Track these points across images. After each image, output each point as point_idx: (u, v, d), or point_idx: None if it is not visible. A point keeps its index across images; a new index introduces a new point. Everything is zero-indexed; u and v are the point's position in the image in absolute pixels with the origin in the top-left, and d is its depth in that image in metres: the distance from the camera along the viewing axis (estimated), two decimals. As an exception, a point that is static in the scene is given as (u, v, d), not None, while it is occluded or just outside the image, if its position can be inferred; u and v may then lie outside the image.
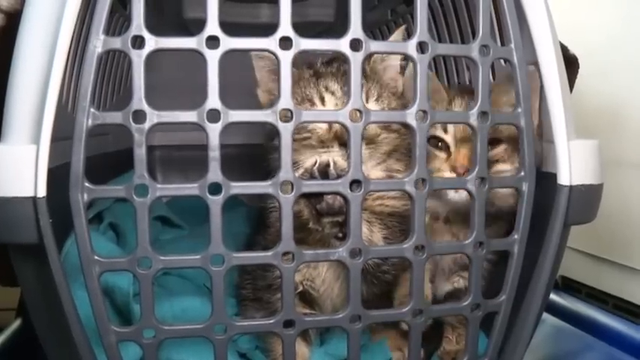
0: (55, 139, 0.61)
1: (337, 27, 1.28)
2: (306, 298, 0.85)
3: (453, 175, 0.81)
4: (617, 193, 1.16)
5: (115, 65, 1.16)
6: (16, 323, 1.04)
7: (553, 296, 1.17)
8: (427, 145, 0.76)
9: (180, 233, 1.24)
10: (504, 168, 0.83)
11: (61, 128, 0.62)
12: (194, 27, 1.24)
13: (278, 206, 0.63)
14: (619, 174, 1.18)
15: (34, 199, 0.60)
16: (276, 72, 0.82)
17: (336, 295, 0.86)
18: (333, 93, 0.80)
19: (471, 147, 0.77)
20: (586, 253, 1.31)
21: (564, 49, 0.99)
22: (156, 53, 0.60)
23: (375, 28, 1.32)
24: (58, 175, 0.62)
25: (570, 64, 1.05)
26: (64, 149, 0.62)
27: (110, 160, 1.09)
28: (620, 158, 1.19)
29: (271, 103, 0.63)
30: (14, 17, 0.82)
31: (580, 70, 1.10)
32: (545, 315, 1.07)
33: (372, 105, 0.80)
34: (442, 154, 0.86)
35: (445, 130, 0.85)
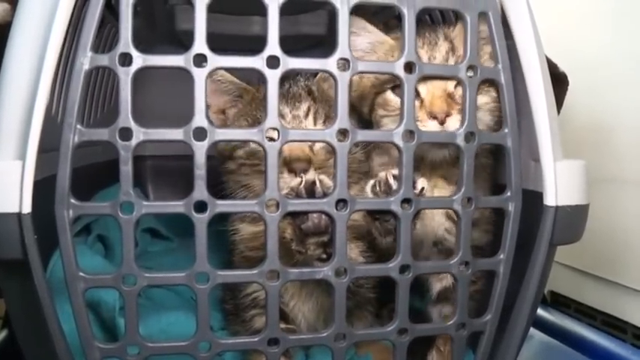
0: (43, 150, 0.61)
1: (329, 40, 1.28)
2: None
3: (434, 123, 0.75)
4: (606, 210, 1.17)
5: (105, 77, 1.16)
6: (2, 334, 1.03)
7: (541, 312, 1.17)
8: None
9: (169, 245, 1.24)
10: (483, 100, 0.77)
11: (49, 140, 0.62)
12: (186, 39, 1.24)
13: (264, 227, 0.63)
14: (608, 190, 1.19)
15: (19, 215, 0.60)
16: (223, 92, 0.87)
17: (309, 310, 0.87)
18: (283, 116, 0.80)
19: (445, 88, 0.77)
20: (575, 269, 1.31)
21: (554, 67, 0.99)
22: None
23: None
24: (43, 189, 0.62)
25: (560, 81, 1.05)
26: (52, 161, 0.61)
27: (100, 170, 1.08)
28: (609, 175, 1.19)
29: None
30: (4, 29, 0.81)
31: (569, 87, 1.11)
32: (533, 331, 1.07)
33: (319, 127, 0.83)
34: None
35: None
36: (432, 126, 0.75)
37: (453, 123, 0.74)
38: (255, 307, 0.83)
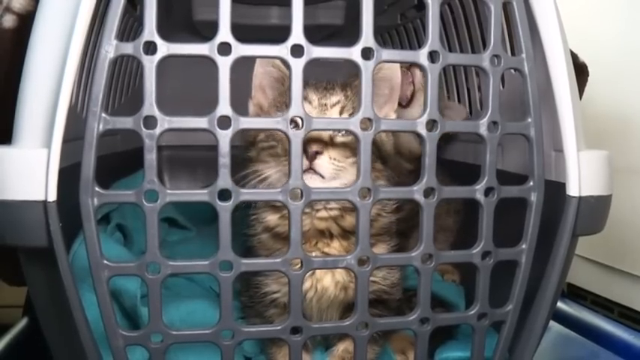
0: (65, 140, 0.61)
1: (346, 30, 1.27)
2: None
3: None
4: (624, 201, 1.16)
5: (124, 65, 1.16)
6: (23, 322, 1.04)
7: (559, 304, 1.17)
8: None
9: (187, 234, 1.24)
10: None
11: (71, 129, 0.62)
12: (203, 29, 1.24)
13: (288, 214, 0.63)
14: (625, 181, 1.18)
15: (44, 203, 0.60)
16: (280, 80, 0.81)
17: (335, 311, 0.84)
18: (309, 102, 0.78)
19: None
20: (592, 261, 1.31)
21: (574, 57, 0.98)
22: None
23: (385, 33, 1.32)
24: (67, 177, 0.62)
25: (580, 71, 1.05)
26: (74, 150, 0.62)
27: (118, 160, 1.09)
28: (628, 165, 1.19)
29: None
30: (26, 19, 0.82)
31: (590, 77, 1.10)
32: (550, 322, 1.07)
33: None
34: None
35: None
36: None
37: None
38: (276, 307, 0.82)
